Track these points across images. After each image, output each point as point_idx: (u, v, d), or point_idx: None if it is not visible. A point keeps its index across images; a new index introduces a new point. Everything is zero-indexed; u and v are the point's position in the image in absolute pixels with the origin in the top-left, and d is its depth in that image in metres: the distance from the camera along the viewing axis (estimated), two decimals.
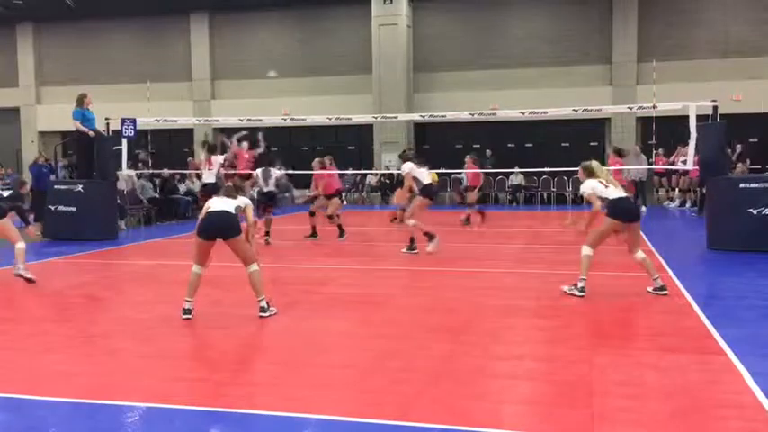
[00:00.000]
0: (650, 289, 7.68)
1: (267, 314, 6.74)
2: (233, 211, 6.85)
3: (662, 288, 7.60)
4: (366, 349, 5.76)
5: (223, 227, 6.73)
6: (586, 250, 7.61)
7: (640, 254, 7.71)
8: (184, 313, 6.73)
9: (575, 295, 7.52)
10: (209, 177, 13.22)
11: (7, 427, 4.20)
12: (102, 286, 8.89)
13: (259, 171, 13.12)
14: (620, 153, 15.50)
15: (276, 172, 13.24)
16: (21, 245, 8.85)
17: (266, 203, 12.87)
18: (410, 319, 6.74)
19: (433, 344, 5.83)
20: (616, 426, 4.05)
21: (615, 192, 7.62)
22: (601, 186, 7.65)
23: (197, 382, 4.90)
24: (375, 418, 4.19)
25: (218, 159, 13.33)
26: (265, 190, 12.94)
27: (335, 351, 5.72)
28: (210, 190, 12.96)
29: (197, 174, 20.15)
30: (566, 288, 7.68)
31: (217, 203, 6.89)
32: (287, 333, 6.32)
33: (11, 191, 9.80)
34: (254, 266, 6.86)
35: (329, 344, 5.93)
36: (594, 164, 7.93)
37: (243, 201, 7.11)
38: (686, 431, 3.98)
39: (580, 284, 7.59)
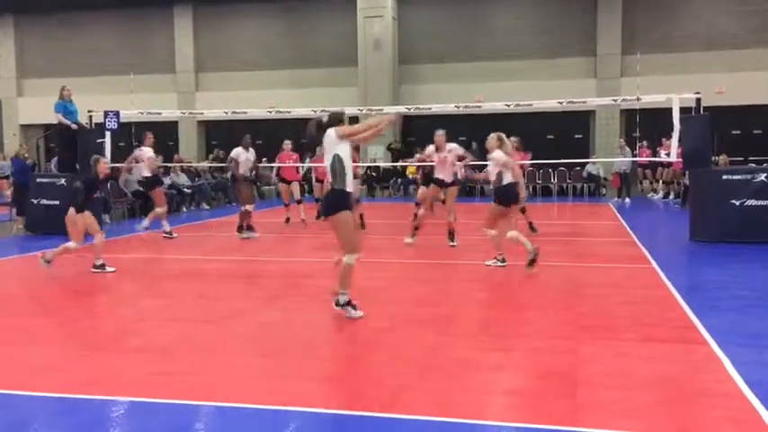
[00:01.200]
0: (488, 262, 8.94)
1: (340, 308, 6.37)
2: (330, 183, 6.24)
3: (503, 260, 8.89)
4: (353, 341, 5.77)
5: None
6: (490, 232, 8.82)
7: (492, 231, 8.83)
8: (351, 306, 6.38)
9: (498, 266, 8.80)
10: (145, 171, 12.57)
11: None
12: (87, 280, 8.82)
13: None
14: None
15: (248, 155, 12.22)
16: (98, 238, 9.02)
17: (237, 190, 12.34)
18: (397, 312, 6.74)
19: (420, 336, 5.85)
20: (601, 415, 4.09)
21: (509, 177, 8.67)
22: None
23: (182, 376, 4.88)
24: (361, 411, 4.20)
25: (147, 152, 12.54)
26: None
27: (321, 343, 5.72)
28: (153, 182, 12.71)
29: (181, 167, 20.06)
30: (489, 262, 8.92)
31: None
32: (272, 326, 6.31)
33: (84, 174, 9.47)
34: (346, 258, 6.33)
35: (314, 336, 5.93)
36: (504, 137, 8.93)
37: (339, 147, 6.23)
38: (670, 420, 4.02)
39: (500, 257, 8.91)
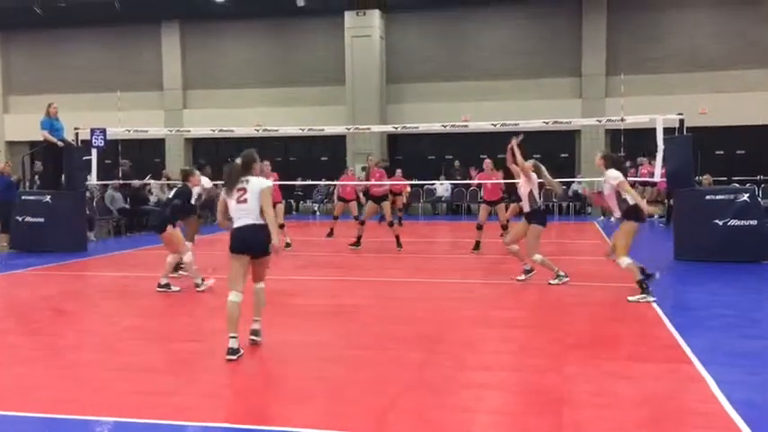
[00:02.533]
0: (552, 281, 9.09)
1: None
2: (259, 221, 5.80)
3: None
4: (338, 361, 5.74)
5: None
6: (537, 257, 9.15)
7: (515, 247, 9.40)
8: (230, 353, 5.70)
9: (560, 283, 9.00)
10: None
11: None
12: (70, 298, 8.75)
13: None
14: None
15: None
16: (187, 257, 8.72)
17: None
18: (383, 330, 6.73)
19: (406, 354, 5.84)
20: None
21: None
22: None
23: (165, 396, 4.84)
24: (348, 431, 4.18)
25: None
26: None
27: (306, 363, 5.69)
28: None
29: (168, 184, 19.99)
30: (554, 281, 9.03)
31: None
32: (256, 345, 6.27)
33: (177, 187, 9.15)
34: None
35: (300, 356, 5.89)
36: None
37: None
38: None
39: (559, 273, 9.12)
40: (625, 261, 8.04)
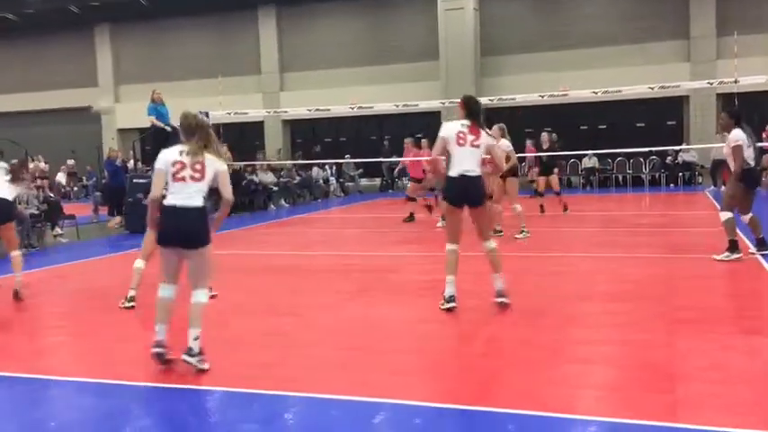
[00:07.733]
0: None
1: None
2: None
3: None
4: (440, 335, 5.71)
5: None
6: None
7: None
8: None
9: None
10: None
11: (92, 409, 4.36)
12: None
13: None
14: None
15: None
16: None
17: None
18: (485, 305, 6.64)
19: (508, 329, 5.74)
20: (701, 411, 3.88)
21: None
22: None
23: (268, 368, 4.97)
24: (450, 403, 4.15)
25: None
26: None
27: (408, 337, 5.70)
28: None
29: (269, 165, 20.56)
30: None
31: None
32: (359, 319, 6.33)
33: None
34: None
35: (402, 330, 5.91)
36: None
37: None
38: None
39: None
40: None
